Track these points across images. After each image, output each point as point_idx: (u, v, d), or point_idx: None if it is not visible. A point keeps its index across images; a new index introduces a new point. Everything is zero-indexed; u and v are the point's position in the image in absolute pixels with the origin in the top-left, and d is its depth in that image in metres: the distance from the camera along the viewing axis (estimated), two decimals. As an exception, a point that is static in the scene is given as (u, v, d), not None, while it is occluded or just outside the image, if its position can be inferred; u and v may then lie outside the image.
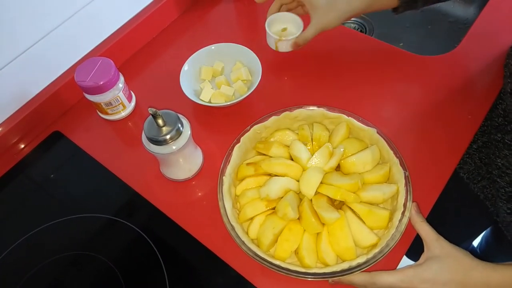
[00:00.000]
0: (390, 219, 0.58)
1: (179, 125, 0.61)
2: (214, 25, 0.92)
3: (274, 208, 0.60)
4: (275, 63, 0.84)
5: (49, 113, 0.79)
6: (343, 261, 0.55)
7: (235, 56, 0.80)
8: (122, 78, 0.75)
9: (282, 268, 0.54)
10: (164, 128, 0.60)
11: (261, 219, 0.60)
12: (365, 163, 0.62)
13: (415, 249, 0.58)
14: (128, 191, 0.70)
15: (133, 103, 0.79)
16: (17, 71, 0.72)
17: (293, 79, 0.82)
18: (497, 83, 0.74)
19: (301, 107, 0.67)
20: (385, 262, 0.55)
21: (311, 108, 0.67)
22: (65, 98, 0.80)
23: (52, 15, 0.73)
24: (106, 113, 0.76)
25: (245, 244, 0.56)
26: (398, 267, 0.58)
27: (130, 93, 0.78)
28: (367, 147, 0.64)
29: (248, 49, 0.78)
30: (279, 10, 0.80)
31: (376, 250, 0.54)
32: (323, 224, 0.57)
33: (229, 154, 0.64)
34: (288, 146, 0.65)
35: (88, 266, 0.64)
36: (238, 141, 0.65)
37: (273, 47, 0.80)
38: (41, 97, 0.76)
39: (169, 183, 0.70)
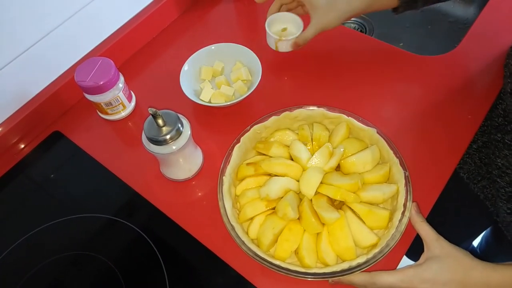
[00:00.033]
0: (390, 219, 0.58)
1: (179, 125, 0.61)
2: (214, 25, 0.93)
3: (274, 208, 0.60)
4: (275, 63, 0.84)
5: (49, 113, 0.79)
6: (343, 261, 0.55)
7: (235, 56, 0.80)
8: (122, 78, 0.75)
9: (282, 268, 0.54)
10: (164, 128, 0.60)
11: (261, 219, 0.60)
12: (365, 163, 0.62)
13: (415, 249, 0.58)
14: (128, 191, 0.70)
15: (133, 103, 0.79)
16: (17, 71, 0.72)
17: (293, 79, 0.82)
18: (497, 83, 0.74)
19: (301, 107, 0.67)
20: (385, 262, 0.55)
21: (311, 108, 0.67)
22: (65, 98, 0.80)
23: (52, 15, 0.73)
24: (106, 113, 0.76)
25: (245, 244, 0.56)
26: (398, 267, 0.58)
27: (130, 93, 0.78)
28: (367, 147, 0.64)
29: (248, 49, 0.78)
30: (279, 10, 0.81)
31: (376, 250, 0.54)
32: (323, 224, 0.57)
33: (229, 154, 0.64)
34: (288, 146, 0.65)
35: (88, 266, 0.64)
36: (238, 141, 0.65)
37: (273, 47, 0.80)
38: (41, 97, 0.76)
39: (169, 183, 0.70)
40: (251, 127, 0.66)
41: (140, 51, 0.89)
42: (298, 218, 0.58)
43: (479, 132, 0.76)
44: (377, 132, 0.64)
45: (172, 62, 0.84)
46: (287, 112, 0.67)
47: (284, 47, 0.78)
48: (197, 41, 0.85)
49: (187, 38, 0.90)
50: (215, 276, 0.62)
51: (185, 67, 0.77)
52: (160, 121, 0.59)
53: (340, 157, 0.63)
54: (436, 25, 1.10)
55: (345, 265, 0.53)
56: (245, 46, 0.79)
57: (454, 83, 0.77)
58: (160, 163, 0.70)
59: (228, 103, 0.73)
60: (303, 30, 0.76)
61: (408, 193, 0.58)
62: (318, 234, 0.58)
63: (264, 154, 0.66)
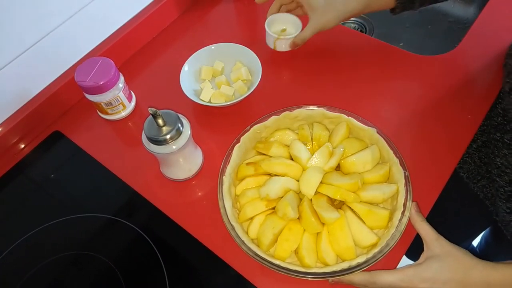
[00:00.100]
0: (390, 218, 0.58)
1: (179, 125, 0.61)
2: (214, 25, 0.93)
3: (274, 208, 0.60)
4: (275, 63, 0.84)
5: (49, 113, 0.79)
6: (343, 260, 0.55)
7: (235, 56, 0.80)
8: (122, 78, 0.75)
9: (282, 267, 0.54)
10: (164, 128, 0.60)
11: (261, 218, 0.60)
12: (365, 163, 0.62)
13: (415, 249, 0.58)
14: (128, 191, 0.70)
15: (133, 103, 0.79)
16: (18, 71, 0.72)
17: (293, 79, 0.82)
18: (497, 82, 0.74)
19: (301, 107, 0.67)
20: (385, 261, 0.55)
21: (311, 108, 0.67)
22: (65, 98, 0.80)
23: (53, 15, 0.73)
24: (106, 113, 0.76)
25: (245, 244, 0.56)
26: (397, 266, 0.58)
27: (130, 93, 0.78)
28: (367, 147, 0.64)
29: (248, 49, 0.78)
30: (278, 11, 0.82)
31: (376, 249, 0.54)
32: (323, 224, 0.57)
33: (229, 154, 0.64)
34: (288, 146, 0.65)
35: (88, 266, 0.64)
36: (238, 141, 0.65)
37: (272, 46, 0.81)
38: (41, 97, 0.77)
39: (169, 183, 0.70)
40: (251, 127, 0.66)
41: (140, 51, 0.89)
42: (298, 218, 0.58)
43: (478, 132, 0.76)
44: (377, 132, 0.64)
45: (172, 62, 0.84)
46: (287, 112, 0.67)
47: (283, 46, 0.80)
48: (197, 41, 0.85)
49: (187, 38, 0.90)
50: (215, 276, 0.62)
51: (185, 67, 0.77)
52: (160, 121, 0.59)
53: (340, 157, 0.63)
54: (436, 25, 1.10)
55: (345, 265, 0.53)
56: (245, 46, 0.79)
57: (454, 83, 0.77)
58: (160, 163, 0.70)
59: (228, 103, 0.73)
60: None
61: (408, 193, 0.58)
62: (318, 233, 0.58)
63: (264, 154, 0.66)
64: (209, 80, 0.79)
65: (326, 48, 0.85)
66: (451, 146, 0.70)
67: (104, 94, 0.72)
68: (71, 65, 0.80)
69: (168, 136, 0.60)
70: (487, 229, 1.09)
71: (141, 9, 0.88)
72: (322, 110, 0.67)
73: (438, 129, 0.72)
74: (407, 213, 0.56)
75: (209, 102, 0.76)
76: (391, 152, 0.62)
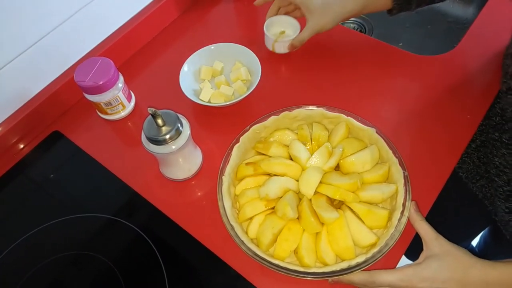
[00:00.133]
0: (389, 218, 0.58)
1: (179, 125, 0.61)
2: (213, 25, 0.93)
3: (273, 208, 0.60)
4: (274, 63, 0.84)
5: (48, 113, 0.79)
6: (342, 260, 0.55)
7: (234, 56, 0.80)
8: (121, 78, 0.75)
9: (281, 267, 0.54)
10: (163, 128, 0.60)
11: (260, 218, 0.60)
12: (364, 163, 0.62)
13: (414, 249, 0.58)
14: (128, 191, 0.70)
15: (132, 103, 0.79)
16: (17, 71, 0.72)
17: (292, 79, 0.82)
18: (496, 82, 0.74)
19: (300, 107, 0.67)
20: (384, 261, 0.55)
21: (311, 107, 0.67)
22: (65, 98, 0.80)
23: (52, 15, 0.73)
24: (106, 113, 0.76)
25: (245, 244, 0.56)
26: (397, 266, 0.58)
27: (129, 93, 0.78)
28: (366, 147, 0.65)
29: (247, 49, 0.78)
30: (277, 13, 0.84)
31: (375, 249, 0.54)
32: (322, 224, 0.58)
33: (229, 154, 0.64)
34: (288, 146, 0.65)
35: (88, 266, 0.64)
36: (238, 141, 0.65)
37: (271, 49, 0.82)
38: (41, 97, 0.77)
39: (168, 183, 0.70)
40: (250, 127, 0.66)
41: (139, 51, 0.89)
42: (298, 218, 0.58)
43: (477, 131, 0.76)
44: (376, 132, 0.64)
45: (171, 62, 0.84)
46: (286, 112, 0.67)
47: (282, 48, 0.81)
48: (197, 41, 0.85)
49: (187, 38, 0.91)
50: (214, 276, 0.62)
51: (185, 67, 0.78)
52: (159, 121, 0.59)
53: (339, 157, 0.63)
54: (435, 25, 1.10)
55: (344, 265, 0.53)
56: (245, 46, 0.79)
57: (453, 83, 0.77)
58: (159, 163, 0.70)
59: (228, 103, 0.73)
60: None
61: (407, 192, 0.58)
62: (317, 233, 0.58)
63: (263, 154, 0.66)
64: (208, 80, 0.80)
65: (325, 48, 0.85)
66: (450, 146, 0.70)
67: (104, 94, 0.72)
68: (70, 65, 0.80)
69: (167, 136, 0.60)
70: (486, 229, 1.09)
71: (141, 9, 0.88)
72: (321, 110, 0.67)
73: (437, 129, 0.72)
74: (406, 213, 0.56)
75: (209, 102, 0.76)
76: (390, 152, 0.62)
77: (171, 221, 0.66)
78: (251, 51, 0.78)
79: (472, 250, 1.20)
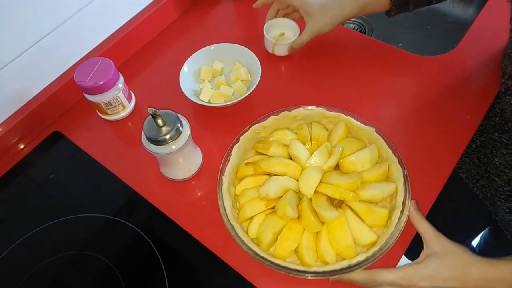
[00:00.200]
0: (389, 217, 0.58)
1: (179, 125, 0.61)
2: (213, 26, 0.93)
3: (273, 208, 0.60)
4: (274, 63, 0.84)
5: (49, 113, 0.79)
6: (343, 259, 0.55)
7: (234, 56, 0.80)
8: (121, 78, 0.75)
9: (282, 267, 0.54)
10: (163, 128, 0.60)
11: (260, 218, 0.60)
12: (363, 162, 0.62)
13: (414, 249, 0.58)
14: (128, 191, 0.70)
15: (132, 103, 0.79)
16: (17, 71, 0.72)
17: (292, 79, 0.82)
18: (495, 82, 0.74)
19: (299, 107, 0.67)
20: (384, 261, 0.55)
21: (310, 107, 0.68)
22: (65, 98, 0.80)
23: (52, 16, 0.73)
24: (106, 113, 0.76)
25: (245, 244, 0.56)
26: (397, 266, 0.58)
27: (129, 93, 0.78)
28: (366, 146, 0.65)
29: (247, 49, 0.79)
30: (276, 15, 0.84)
31: (376, 248, 0.54)
32: (323, 223, 0.58)
33: (228, 154, 0.64)
34: (287, 146, 0.65)
35: (88, 266, 0.64)
36: (237, 140, 0.65)
37: (270, 51, 0.83)
38: (41, 97, 0.77)
39: (168, 183, 0.70)
40: (250, 127, 0.66)
41: (139, 51, 0.89)
42: (298, 217, 0.58)
43: (477, 132, 0.76)
44: (376, 131, 0.64)
45: (171, 62, 0.84)
46: (286, 112, 0.67)
47: (281, 51, 0.82)
48: (197, 41, 0.85)
49: (187, 39, 0.91)
50: (214, 276, 0.62)
51: (185, 67, 0.78)
52: (159, 121, 0.59)
53: (339, 156, 0.63)
54: (435, 26, 1.10)
55: (345, 263, 0.53)
56: (245, 46, 0.79)
57: (453, 83, 0.77)
58: (159, 163, 0.70)
59: (228, 103, 0.73)
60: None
61: (407, 191, 0.58)
62: (317, 233, 0.58)
63: (263, 154, 0.66)
64: (208, 81, 0.80)
65: (325, 48, 0.85)
66: (450, 146, 0.70)
67: (104, 94, 0.72)
68: (70, 65, 0.81)
69: (167, 136, 0.60)
70: (487, 229, 1.09)
71: (141, 9, 0.88)
72: (320, 109, 0.67)
73: (437, 129, 0.72)
74: (406, 212, 0.57)
75: (209, 102, 0.76)
76: (389, 151, 0.62)
77: (171, 221, 0.66)
78: (251, 51, 0.78)
79: (472, 250, 1.20)
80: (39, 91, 0.77)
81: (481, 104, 0.73)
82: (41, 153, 0.76)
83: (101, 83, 0.70)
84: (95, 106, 0.76)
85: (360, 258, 0.53)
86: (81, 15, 0.77)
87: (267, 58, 0.82)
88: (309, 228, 0.57)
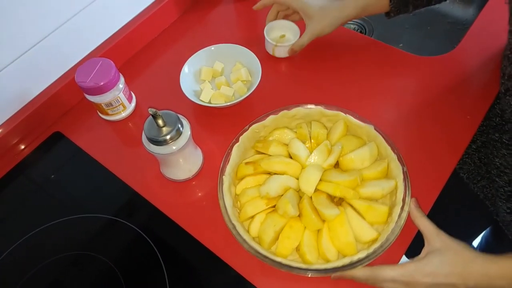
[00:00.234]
0: (390, 214, 0.58)
1: (179, 126, 0.61)
2: (214, 26, 0.93)
3: (274, 206, 0.60)
4: (275, 64, 0.84)
5: (49, 113, 0.79)
6: (344, 256, 0.55)
7: (235, 56, 0.80)
8: (122, 79, 0.75)
9: (284, 265, 0.54)
10: (164, 129, 0.60)
11: (261, 217, 0.60)
12: (363, 160, 0.62)
13: (415, 249, 0.58)
14: (128, 191, 0.70)
15: (133, 104, 0.79)
16: (18, 72, 0.72)
17: (293, 80, 0.82)
18: (496, 83, 0.74)
19: (298, 106, 0.68)
20: (386, 259, 0.55)
21: (309, 106, 0.68)
22: (66, 99, 0.80)
23: (53, 16, 0.73)
24: (107, 114, 0.76)
25: (247, 243, 0.56)
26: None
27: (130, 94, 0.78)
28: (365, 144, 0.65)
29: (247, 49, 0.79)
30: (276, 17, 0.85)
31: (377, 245, 0.54)
32: (324, 221, 0.58)
33: (228, 154, 0.64)
34: (287, 145, 0.65)
35: (88, 266, 0.64)
36: (237, 140, 0.65)
37: (271, 53, 0.84)
38: (42, 98, 0.77)
39: (169, 183, 0.70)
40: (249, 126, 0.66)
41: (140, 52, 0.89)
42: (299, 216, 0.58)
43: (478, 132, 0.76)
44: (375, 129, 0.64)
45: (172, 63, 0.85)
46: (285, 111, 0.67)
47: (282, 53, 0.83)
48: (197, 42, 0.85)
49: (187, 39, 0.91)
50: (215, 276, 0.62)
51: (185, 68, 0.78)
52: (160, 122, 0.59)
53: (339, 154, 0.63)
54: (435, 26, 1.11)
55: (346, 261, 0.53)
56: (245, 47, 0.79)
57: (453, 84, 0.77)
58: (160, 164, 0.70)
59: (228, 104, 0.73)
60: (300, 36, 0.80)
61: (407, 188, 0.58)
62: (318, 230, 0.58)
63: (263, 153, 0.66)
64: (209, 81, 0.80)
65: (326, 49, 0.85)
66: (450, 147, 0.70)
67: (105, 94, 0.72)
68: (71, 66, 0.81)
69: (168, 137, 0.60)
70: (488, 229, 1.09)
71: (141, 10, 0.88)
72: (319, 108, 0.67)
73: (437, 129, 0.72)
74: (406, 208, 0.57)
75: (209, 102, 0.76)
76: (388, 148, 0.62)
77: (172, 222, 0.66)
78: (251, 52, 0.78)
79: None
80: (40, 91, 0.78)
81: (481, 105, 0.73)
82: (41, 153, 0.77)
83: (101, 83, 0.70)
84: (96, 107, 0.76)
85: (361, 255, 0.53)
86: (82, 15, 0.77)
87: (267, 59, 0.83)
88: (310, 226, 0.57)
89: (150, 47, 0.90)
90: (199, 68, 0.80)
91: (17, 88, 0.74)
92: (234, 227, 0.57)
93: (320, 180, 0.60)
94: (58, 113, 0.80)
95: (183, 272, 0.62)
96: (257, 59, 0.77)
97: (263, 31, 0.82)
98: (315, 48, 0.83)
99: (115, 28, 0.85)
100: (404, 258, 0.59)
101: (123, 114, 0.78)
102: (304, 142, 0.65)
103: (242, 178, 0.64)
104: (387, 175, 0.62)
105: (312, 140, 0.66)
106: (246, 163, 0.64)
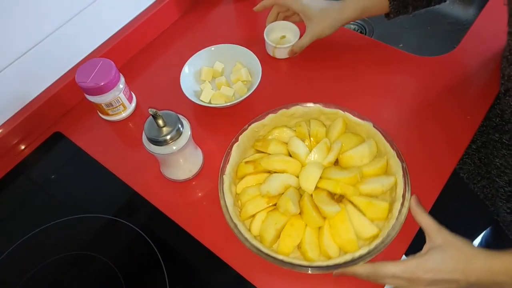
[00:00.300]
0: (390, 210, 0.58)
1: (179, 126, 0.61)
2: (214, 26, 0.93)
3: (275, 205, 0.60)
4: (275, 64, 0.84)
5: (50, 114, 0.79)
6: (346, 253, 0.55)
7: (235, 57, 0.80)
8: (122, 79, 0.75)
9: (286, 263, 0.54)
10: (164, 129, 0.60)
11: (262, 215, 0.60)
12: (362, 157, 0.62)
13: (414, 249, 0.58)
14: (128, 191, 0.70)
15: (133, 104, 0.79)
16: (18, 72, 0.72)
17: (293, 80, 0.82)
18: (496, 83, 0.74)
19: (297, 104, 0.68)
20: (388, 255, 0.55)
21: (308, 104, 0.68)
22: (66, 99, 0.80)
23: (53, 17, 0.73)
24: (107, 114, 0.76)
25: (248, 241, 0.56)
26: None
27: (130, 94, 0.78)
28: (364, 141, 0.65)
29: (248, 50, 0.79)
30: (276, 18, 0.85)
31: (378, 241, 0.54)
32: (324, 218, 0.58)
33: (228, 153, 0.64)
34: (286, 143, 0.65)
35: (88, 266, 0.64)
36: (237, 139, 0.65)
37: (271, 54, 0.84)
38: (42, 98, 0.77)
39: (169, 183, 0.70)
40: (249, 125, 0.66)
41: (140, 52, 0.90)
42: (300, 213, 0.58)
43: (478, 132, 0.76)
44: (373, 126, 0.64)
45: (172, 63, 0.85)
46: (283, 110, 0.67)
47: (282, 54, 0.83)
48: (197, 42, 0.85)
49: (188, 39, 0.91)
50: (215, 276, 0.61)
51: (185, 68, 0.78)
52: (160, 122, 0.59)
53: (338, 152, 0.63)
54: (435, 26, 1.11)
55: (347, 257, 0.53)
56: (245, 47, 0.79)
57: (453, 84, 0.77)
58: (160, 164, 0.70)
59: (228, 104, 0.73)
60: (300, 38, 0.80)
61: (406, 184, 0.58)
62: (319, 228, 0.58)
63: (262, 152, 0.66)
64: (209, 81, 0.80)
65: (326, 50, 0.85)
66: (450, 147, 0.70)
67: (105, 95, 0.72)
68: (72, 66, 0.81)
69: (168, 137, 0.60)
70: (488, 229, 1.09)
71: (141, 11, 0.89)
72: (318, 106, 0.67)
73: (437, 129, 0.72)
74: (406, 204, 0.57)
75: (209, 103, 0.76)
76: (388, 145, 0.62)
77: (172, 222, 0.66)
78: (251, 52, 0.78)
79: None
80: (40, 92, 0.78)
81: (481, 105, 0.73)
82: (42, 153, 0.77)
83: (102, 84, 0.70)
84: (96, 107, 0.76)
85: (363, 251, 0.53)
86: (83, 16, 0.77)
87: (267, 59, 0.83)
88: (311, 224, 0.57)
89: (150, 47, 0.90)
90: (199, 68, 0.80)
91: (17, 88, 0.74)
92: (236, 226, 0.57)
93: (320, 177, 0.60)
94: (58, 113, 0.80)
95: (183, 272, 0.62)
96: (257, 59, 0.77)
97: (263, 32, 0.82)
98: (315, 48, 0.83)
99: (115, 29, 0.85)
100: (404, 258, 0.59)
101: (124, 114, 0.78)
102: (303, 140, 0.65)
103: (242, 177, 0.64)
104: (386, 171, 0.62)
105: (312, 138, 0.66)
106: (246, 162, 0.64)
